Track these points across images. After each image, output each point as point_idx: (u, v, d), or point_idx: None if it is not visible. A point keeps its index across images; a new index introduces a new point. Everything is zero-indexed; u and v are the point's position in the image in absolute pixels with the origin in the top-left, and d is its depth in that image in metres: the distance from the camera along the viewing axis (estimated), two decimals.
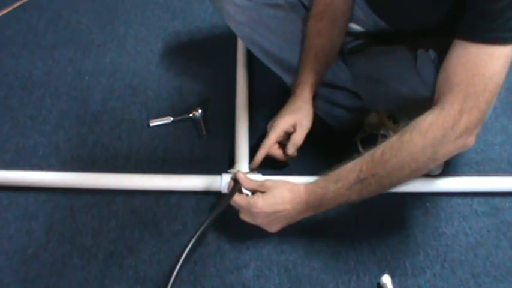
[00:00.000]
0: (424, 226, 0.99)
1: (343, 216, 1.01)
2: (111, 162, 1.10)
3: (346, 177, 0.79)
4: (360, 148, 1.09)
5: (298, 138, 0.97)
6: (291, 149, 0.98)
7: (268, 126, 0.99)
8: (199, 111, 1.17)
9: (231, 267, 0.94)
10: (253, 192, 0.89)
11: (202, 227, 0.88)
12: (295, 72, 1.01)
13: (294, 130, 0.97)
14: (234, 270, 0.93)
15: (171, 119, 1.18)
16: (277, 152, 1.00)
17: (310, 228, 0.98)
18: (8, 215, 1.01)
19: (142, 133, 1.16)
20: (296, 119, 0.96)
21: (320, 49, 0.97)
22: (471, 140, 0.76)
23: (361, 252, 0.95)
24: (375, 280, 0.92)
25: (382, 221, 1.01)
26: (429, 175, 1.03)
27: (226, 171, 0.98)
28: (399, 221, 1.01)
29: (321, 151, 1.11)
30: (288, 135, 0.98)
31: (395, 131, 1.05)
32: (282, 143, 1.00)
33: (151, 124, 1.17)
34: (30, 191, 1.03)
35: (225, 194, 0.94)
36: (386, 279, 0.90)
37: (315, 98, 1.02)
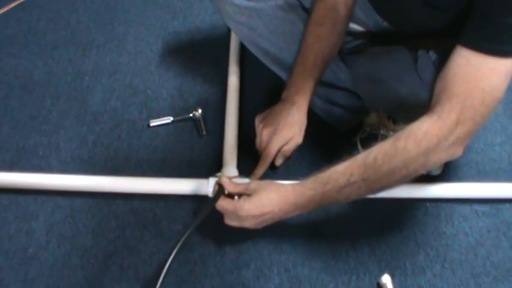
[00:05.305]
0: (424, 226, 0.99)
1: (343, 216, 1.01)
2: (111, 162, 1.10)
3: (336, 180, 0.79)
4: (360, 148, 1.08)
5: (288, 150, 1.00)
6: (280, 161, 1.02)
7: (256, 122, 1.01)
8: (199, 111, 1.17)
9: (231, 267, 0.94)
10: (240, 196, 0.88)
11: (187, 233, 0.85)
12: (291, 72, 1.01)
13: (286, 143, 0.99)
14: (234, 270, 0.93)
15: (171, 119, 1.18)
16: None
17: (310, 228, 0.98)
18: (8, 215, 1.01)
19: (142, 133, 1.16)
20: (293, 134, 0.98)
21: (320, 54, 0.96)
22: (461, 150, 0.76)
23: (361, 252, 0.95)
24: (374, 280, 0.92)
25: (382, 221, 1.01)
26: (429, 175, 1.03)
27: (213, 175, 0.97)
28: (399, 221, 1.01)
29: (321, 151, 1.11)
30: None
31: (395, 132, 1.05)
32: None
33: (151, 124, 1.17)
34: (30, 191, 1.03)
35: (210, 198, 0.92)
36: (386, 279, 0.90)
37: (313, 98, 1.02)
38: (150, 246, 0.96)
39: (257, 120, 1.02)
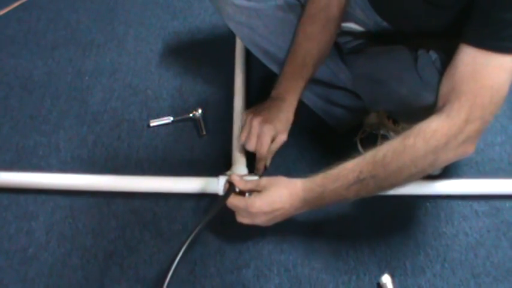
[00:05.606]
0: (424, 226, 0.99)
1: (343, 216, 1.01)
2: (111, 162, 1.10)
3: (346, 177, 0.79)
4: (360, 148, 1.09)
5: (274, 148, 0.96)
6: (268, 160, 0.98)
7: (244, 116, 0.97)
8: (199, 111, 1.17)
9: (231, 267, 0.94)
10: (250, 193, 0.88)
11: (197, 230, 0.86)
12: (282, 66, 0.99)
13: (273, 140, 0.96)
14: (234, 270, 0.93)
15: (171, 119, 1.18)
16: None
17: (310, 228, 0.98)
18: (8, 215, 1.01)
19: (142, 133, 1.16)
20: (280, 129, 0.95)
21: (309, 53, 0.95)
22: (471, 149, 0.76)
23: (361, 252, 0.95)
24: (374, 280, 0.92)
25: (382, 221, 1.01)
26: (429, 175, 1.03)
27: (223, 173, 0.98)
28: (399, 221, 1.01)
29: (321, 151, 1.11)
30: None
31: (395, 132, 1.05)
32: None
33: (151, 124, 1.17)
34: (30, 191, 1.03)
35: (220, 197, 0.93)
36: (386, 279, 0.90)
37: (313, 99, 1.01)
38: (150, 246, 0.96)
39: (245, 115, 0.99)
